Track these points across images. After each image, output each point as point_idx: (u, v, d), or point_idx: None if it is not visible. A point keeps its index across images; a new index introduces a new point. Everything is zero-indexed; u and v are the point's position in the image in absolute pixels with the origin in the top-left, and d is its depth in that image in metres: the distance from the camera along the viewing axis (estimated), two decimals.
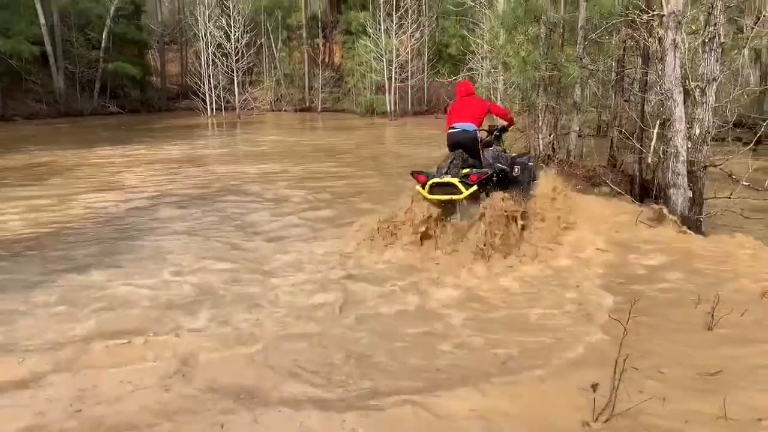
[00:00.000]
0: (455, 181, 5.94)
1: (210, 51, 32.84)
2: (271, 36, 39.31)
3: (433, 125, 25.95)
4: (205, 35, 32.82)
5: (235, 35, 32.86)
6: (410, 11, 32.35)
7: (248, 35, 33.64)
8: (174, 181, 11.06)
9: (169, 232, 7.12)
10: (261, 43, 38.25)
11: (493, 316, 4.39)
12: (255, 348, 3.89)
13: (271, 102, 39.56)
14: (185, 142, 18.92)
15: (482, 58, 20.37)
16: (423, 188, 6.08)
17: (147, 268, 5.65)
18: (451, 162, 6.29)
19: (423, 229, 6.07)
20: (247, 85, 37.44)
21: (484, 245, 5.66)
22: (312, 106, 39.43)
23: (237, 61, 33.16)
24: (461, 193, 5.89)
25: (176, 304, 4.70)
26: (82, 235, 7.04)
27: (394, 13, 31.41)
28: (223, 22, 32.84)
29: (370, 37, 31.47)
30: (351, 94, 36.92)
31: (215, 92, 33.25)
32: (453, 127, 6.60)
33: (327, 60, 43.37)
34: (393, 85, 32.17)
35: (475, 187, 5.91)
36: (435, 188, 6.02)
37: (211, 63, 32.98)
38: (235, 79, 33.32)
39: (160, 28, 43.96)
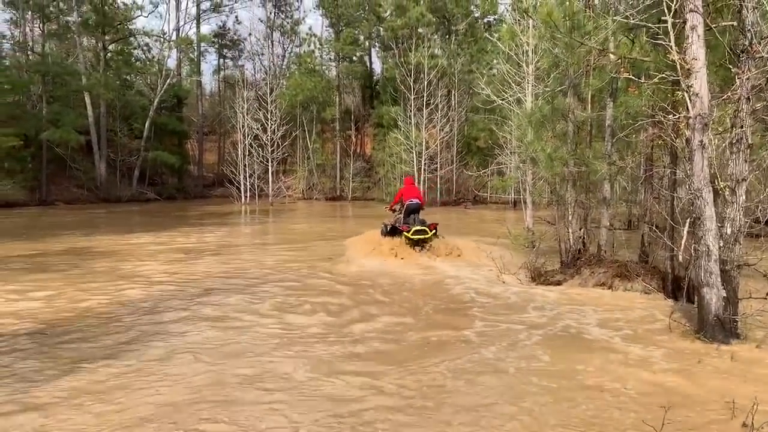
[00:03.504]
0: (426, 228, 12.09)
1: (247, 142, 34.19)
2: (306, 128, 40.86)
3: (461, 216, 26.12)
4: (243, 127, 34.26)
5: (271, 127, 34.26)
6: (440, 106, 33.49)
7: (284, 128, 35.06)
8: (203, 272, 11.24)
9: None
10: (296, 135, 39.70)
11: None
12: None
13: (303, 190, 40.62)
14: (217, 230, 19.34)
15: (511, 153, 20.77)
16: (408, 233, 11.93)
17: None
18: (414, 221, 12.40)
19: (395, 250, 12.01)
20: (280, 174, 38.59)
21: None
22: (342, 195, 40.26)
23: (272, 151, 34.42)
24: (428, 234, 12.06)
25: None
26: (110, 324, 7.14)
27: (424, 107, 32.57)
28: (261, 115, 34.34)
29: (400, 129, 32.51)
30: (381, 183, 37.68)
31: (250, 181, 34.28)
32: (411, 201, 12.57)
33: (358, 151, 44.68)
34: (422, 175, 32.83)
35: (434, 232, 12.33)
36: (414, 233, 11.92)
37: (247, 153, 34.22)
38: (270, 168, 34.44)
39: (200, 120, 46.08)
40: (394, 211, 13.45)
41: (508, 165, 23.83)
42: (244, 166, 34.26)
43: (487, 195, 31.93)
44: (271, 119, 34.26)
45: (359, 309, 7.85)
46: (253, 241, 16.77)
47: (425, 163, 32.87)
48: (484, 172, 29.93)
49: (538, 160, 10.72)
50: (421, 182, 32.72)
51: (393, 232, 12.78)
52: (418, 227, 12.08)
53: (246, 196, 34.13)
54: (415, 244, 12.14)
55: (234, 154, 35.61)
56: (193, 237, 16.90)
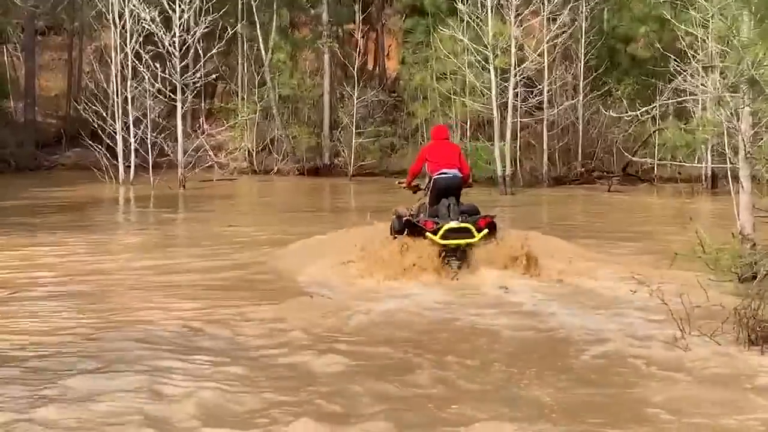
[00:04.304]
0: (470, 226, 12.80)
1: (130, 48, 34.18)
2: (257, 21, 40.75)
3: (596, 206, 25.95)
4: (122, 18, 34.25)
5: (181, 18, 34.18)
6: None
7: (209, 17, 34.89)
8: (49, 328, 11.30)
9: None
10: (235, 34, 39.64)
11: None
12: None
13: (250, 153, 40.49)
14: (70, 240, 19.42)
15: (704, 69, 20.63)
16: (435, 234, 12.64)
17: None
18: (449, 207, 13.13)
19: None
20: (201, 120, 38.72)
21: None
22: (335, 165, 40.09)
23: (184, 70, 34.31)
24: (474, 237, 12.76)
25: None
26: None
27: None
28: None
29: (462, 21, 32.32)
30: (418, 137, 37.50)
31: (137, 134, 34.20)
32: (444, 173, 13.43)
33: (370, 68, 44.71)
34: (510, 120, 32.59)
35: (486, 231, 12.96)
36: (449, 233, 12.66)
37: (130, 74, 34.25)
38: (179, 106, 34.41)
39: (29, 3, 46.37)
40: (416, 190, 14.63)
41: (698, 97, 23.71)
42: (126, 100, 34.31)
43: (651, 162, 31.69)
44: (181, 1, 34.24)
45: (404, 410, 7.76)
46: (140, 262, 16.82)
47: (517, 95, 32.71)
48: (646, 115, 29.59)
49: (764, 84, 10.63)
50: (507, 135, 32.49)
51: (408, 228, 13.56)
52: (455, 224, 12.82)
53: (129, 167, 34.14)
54: (449, 253, 12.87)
55: (102, 77, 35.64)
56: (16, 255, 17.00)
